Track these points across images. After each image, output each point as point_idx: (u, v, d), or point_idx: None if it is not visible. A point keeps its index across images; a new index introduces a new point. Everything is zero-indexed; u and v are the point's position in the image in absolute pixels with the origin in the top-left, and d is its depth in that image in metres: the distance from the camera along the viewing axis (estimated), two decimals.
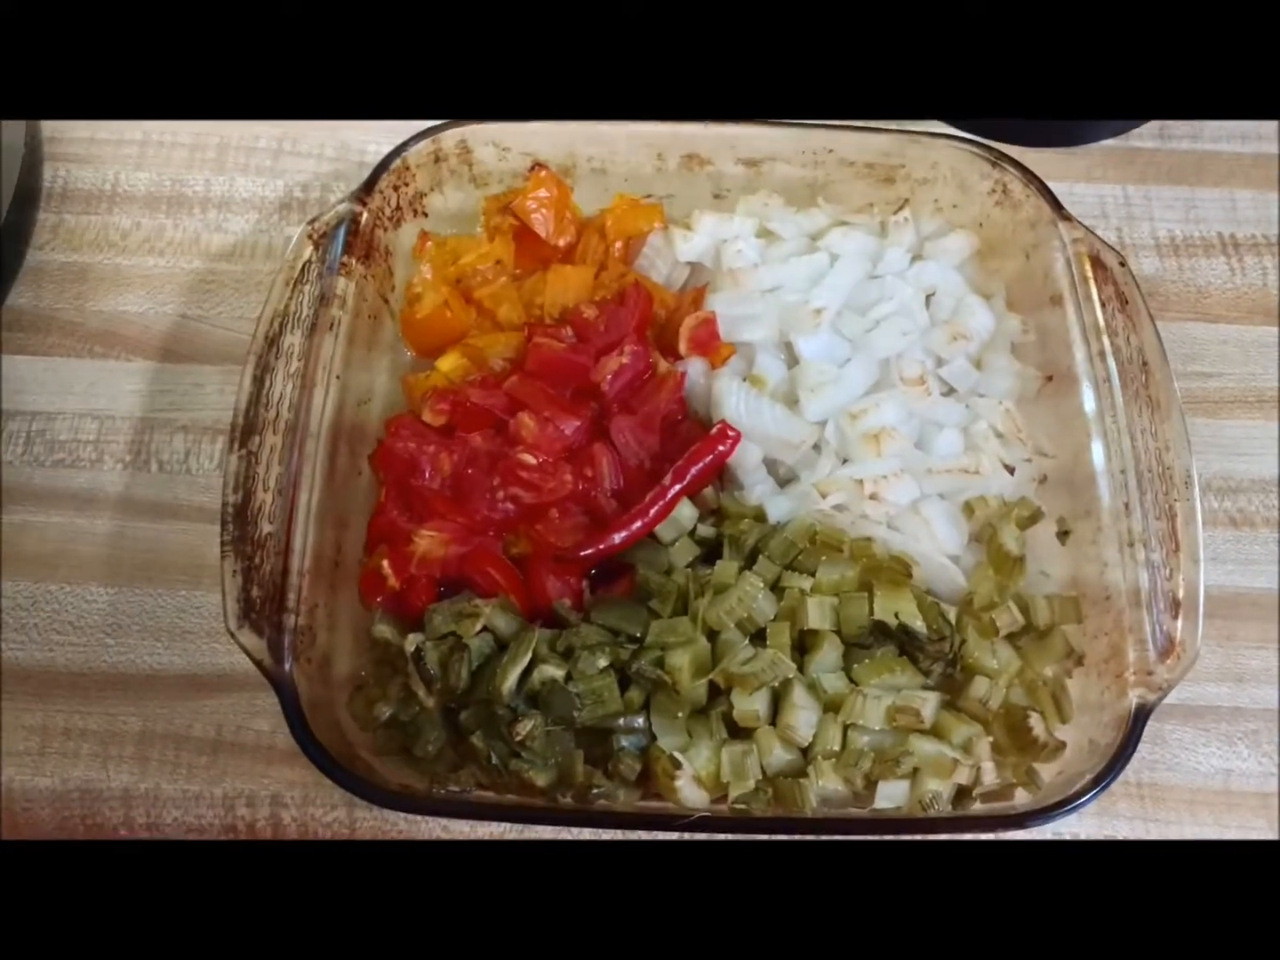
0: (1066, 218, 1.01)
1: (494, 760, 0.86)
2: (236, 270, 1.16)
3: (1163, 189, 1.24)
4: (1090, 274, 0.98)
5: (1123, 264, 0.99)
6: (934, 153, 1.08)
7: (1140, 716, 0.83)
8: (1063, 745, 0.87)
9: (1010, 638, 0.92)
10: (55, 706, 0.97)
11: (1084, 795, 0.81)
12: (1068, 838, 0.94)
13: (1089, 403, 0.94)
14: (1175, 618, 0.86)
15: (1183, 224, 1.22)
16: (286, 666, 0.83)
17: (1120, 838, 0.94)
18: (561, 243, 1.09)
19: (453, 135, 1.05)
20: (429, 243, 1.08)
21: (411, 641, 0.88)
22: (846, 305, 1.05)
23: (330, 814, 0.94)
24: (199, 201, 1.20)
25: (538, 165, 1.08)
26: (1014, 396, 1.03)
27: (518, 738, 0.85)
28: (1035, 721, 0.87)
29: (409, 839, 0.94)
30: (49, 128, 1.21)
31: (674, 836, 0.92)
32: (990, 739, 0.87)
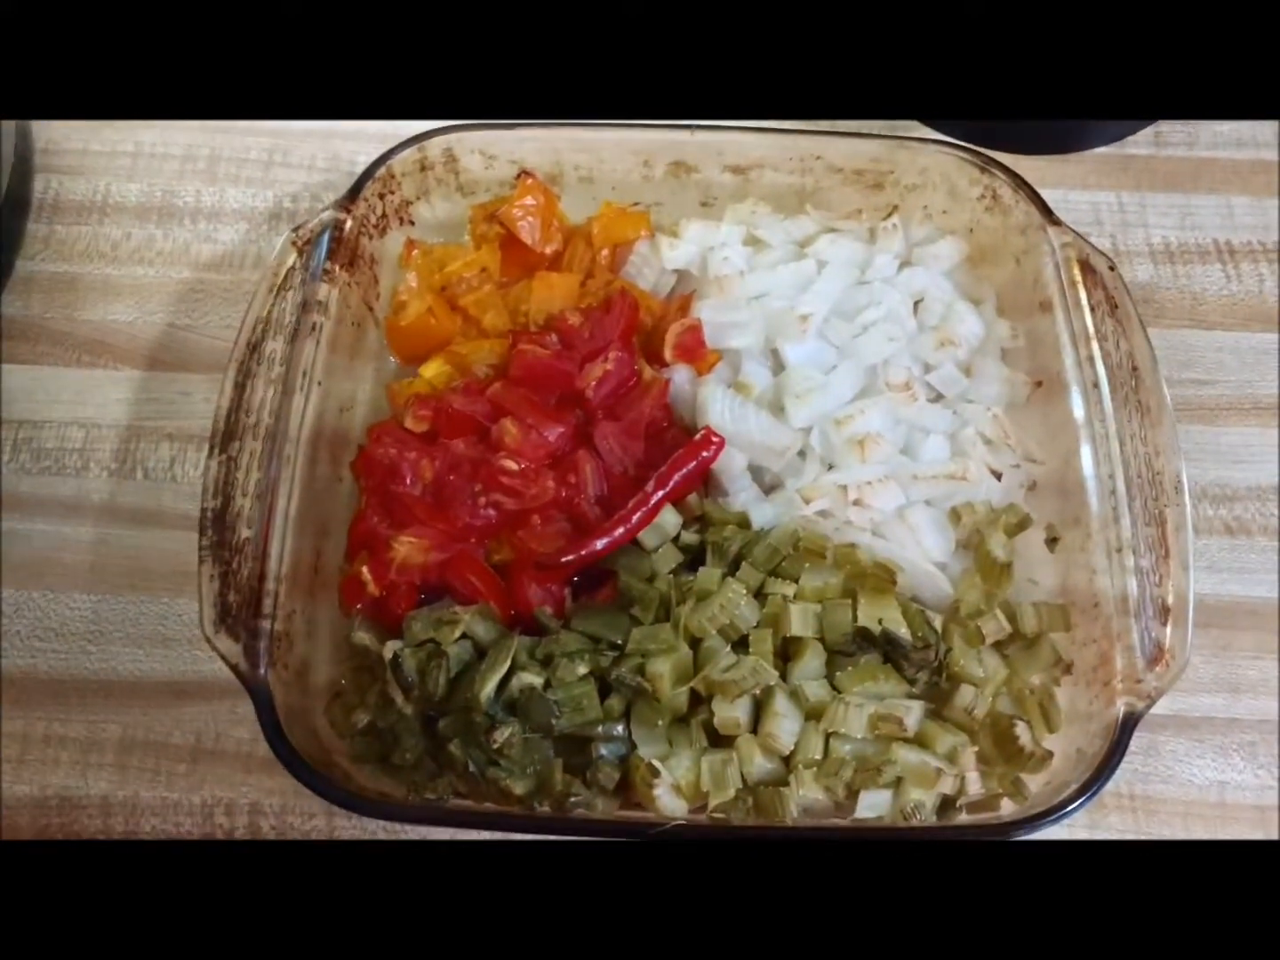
0: (1056, 223, 1.00)
1: (472, 768, 0.85)
2: (225, 280, 1.16)
3: (1158, 195, 1.22)
4: (1079, 279, 0.97)
5: (1112, 268, 0.98)
6: (923, 158, 1.07)
7: (1128, 725, 0.81)
8: (1050, 755, 0.85)
9: (997, 646, 0.91)
10: (36, 714, 0.96)
11: (1070, 804, 0.79)
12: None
13: (1078, 408, 0.92)
14: (1164, 625, 0.84)
15: (1178, 230, 1.21)
16: (261, 671, 0.82)
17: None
18: (548, 250, 1.09)
19: (438, 143, 1.05)
20: (415, 251, 1.08)
21: (389, 648, 0.88)
22: (834, 311, 1.04)
23: (309, 822, 0.93)
24: (189, 212, 1.20)
25: (524, 173, 1.08)
26: (1003, 402, 1.02)
27: (495, 746, 0.83)
28: (1022, 731, 0.85)
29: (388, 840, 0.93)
30: (42, 139, 1.22)
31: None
32: (976, 748, 0.86)
